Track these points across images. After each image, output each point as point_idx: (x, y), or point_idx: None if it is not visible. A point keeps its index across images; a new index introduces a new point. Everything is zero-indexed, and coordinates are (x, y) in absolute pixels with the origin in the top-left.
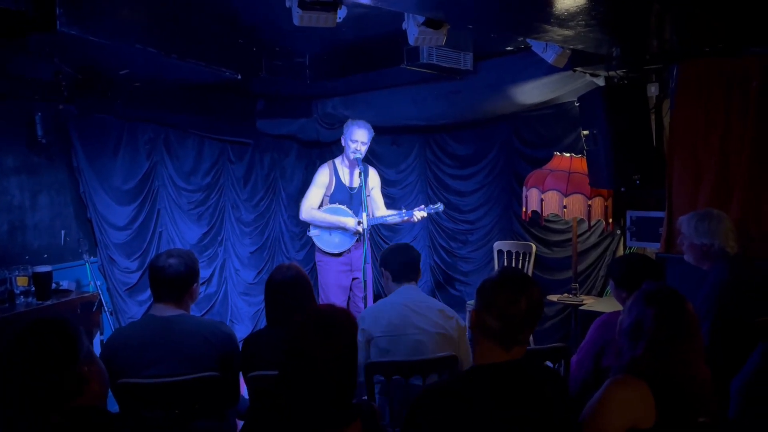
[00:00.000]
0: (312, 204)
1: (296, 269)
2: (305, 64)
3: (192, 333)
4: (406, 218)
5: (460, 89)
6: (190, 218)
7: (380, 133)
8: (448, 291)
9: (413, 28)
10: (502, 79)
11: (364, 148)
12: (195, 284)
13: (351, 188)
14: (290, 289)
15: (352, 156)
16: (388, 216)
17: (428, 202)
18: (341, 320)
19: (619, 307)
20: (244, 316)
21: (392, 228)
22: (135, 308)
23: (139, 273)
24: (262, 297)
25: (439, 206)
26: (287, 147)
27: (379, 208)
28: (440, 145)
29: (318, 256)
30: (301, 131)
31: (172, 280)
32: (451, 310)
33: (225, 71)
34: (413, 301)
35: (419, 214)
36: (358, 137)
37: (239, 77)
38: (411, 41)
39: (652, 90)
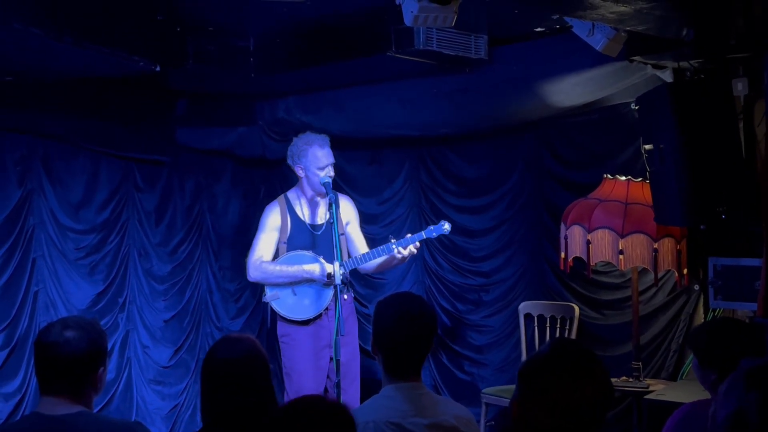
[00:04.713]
0: (262, 255)
1: (250, 342)
2: (248, 50)
3: None
4: (398, 253)
5: (468, 86)
6: (78, 271)
7: (354, 147)
8: (452, 374)
9: (411, 3)
10: (528, 72)
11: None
12: (101, 368)
13: (314, 227)
14: (242, 373)
15: (322, 183)
16: (370, 254)
17: (423, 244)
18: (339, 422)
19: (703, 394)
20: (155, 415)
21: (369, 282)
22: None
23: (5, 352)
24: (182, 387)
25: (444, 225)
26: (219, 167)
27: (358, 250)
28: (440, 164)
29: (282, 329)
30: (240, 145)
31: (69, 362)
32: (467, 413)
33: (139, 60)
34: (407, 416)
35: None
36: (324, 160)
37: (158, 68)
38: (408, 21)
39: (740, 88)
